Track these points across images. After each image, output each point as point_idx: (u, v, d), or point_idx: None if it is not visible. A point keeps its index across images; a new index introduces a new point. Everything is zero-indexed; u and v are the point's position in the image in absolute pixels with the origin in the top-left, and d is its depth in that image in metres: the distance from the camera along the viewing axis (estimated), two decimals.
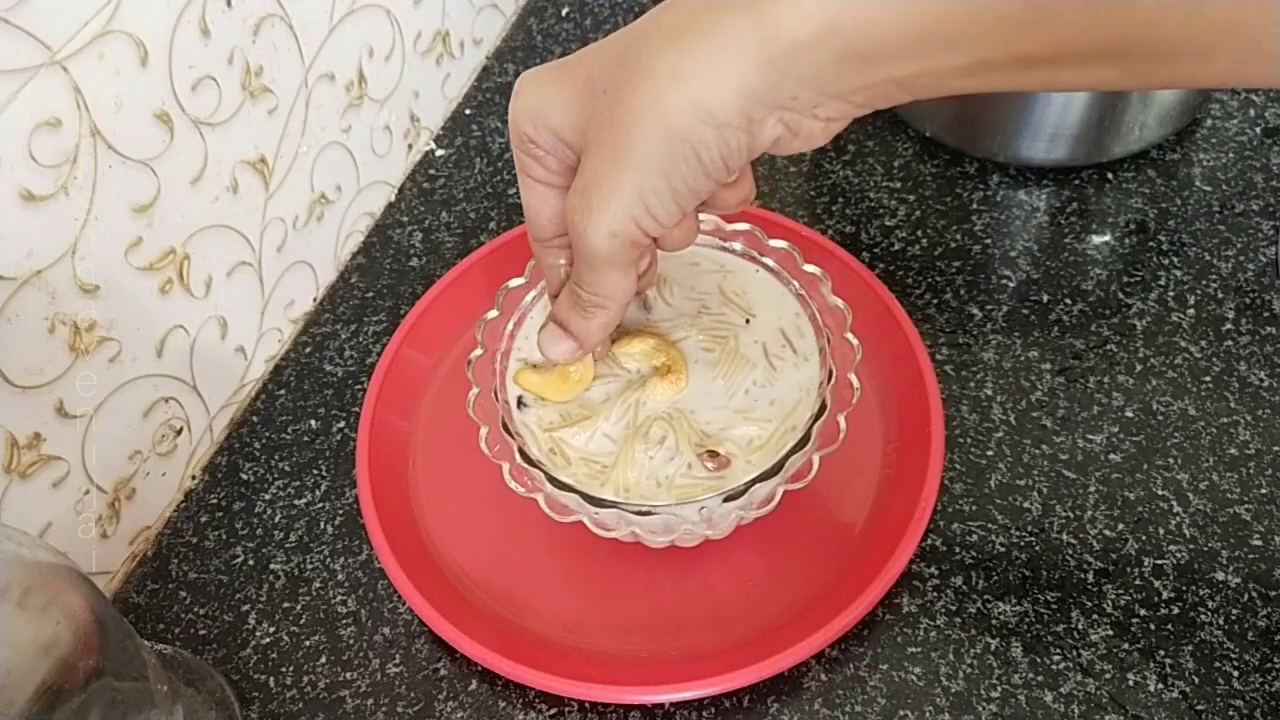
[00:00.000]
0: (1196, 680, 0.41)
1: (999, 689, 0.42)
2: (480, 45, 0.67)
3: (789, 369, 0.43)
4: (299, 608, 0.47)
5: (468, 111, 0.65)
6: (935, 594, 0.44)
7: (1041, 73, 0.29)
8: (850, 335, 0.42)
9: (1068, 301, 0.52)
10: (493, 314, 0.45)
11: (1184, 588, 0.43)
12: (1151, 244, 0.54)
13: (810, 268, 0.44)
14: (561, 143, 0.35)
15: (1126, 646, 0.42)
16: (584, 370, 0.43)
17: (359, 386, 0.54)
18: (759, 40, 0.29)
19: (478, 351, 0.44)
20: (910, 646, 0.43)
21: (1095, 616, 0.43)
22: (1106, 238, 0.54)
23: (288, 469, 0.51)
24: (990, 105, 0.55)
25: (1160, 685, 0.41)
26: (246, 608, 0.47)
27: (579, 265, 0.36)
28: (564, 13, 0.70)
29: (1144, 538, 0.45)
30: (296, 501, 0.50)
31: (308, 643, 0.46)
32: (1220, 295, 0.51)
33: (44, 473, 0.42)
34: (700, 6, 0.31)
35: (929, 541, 0.45)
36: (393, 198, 0.61)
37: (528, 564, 0.46)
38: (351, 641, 0.45)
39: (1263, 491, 0.45)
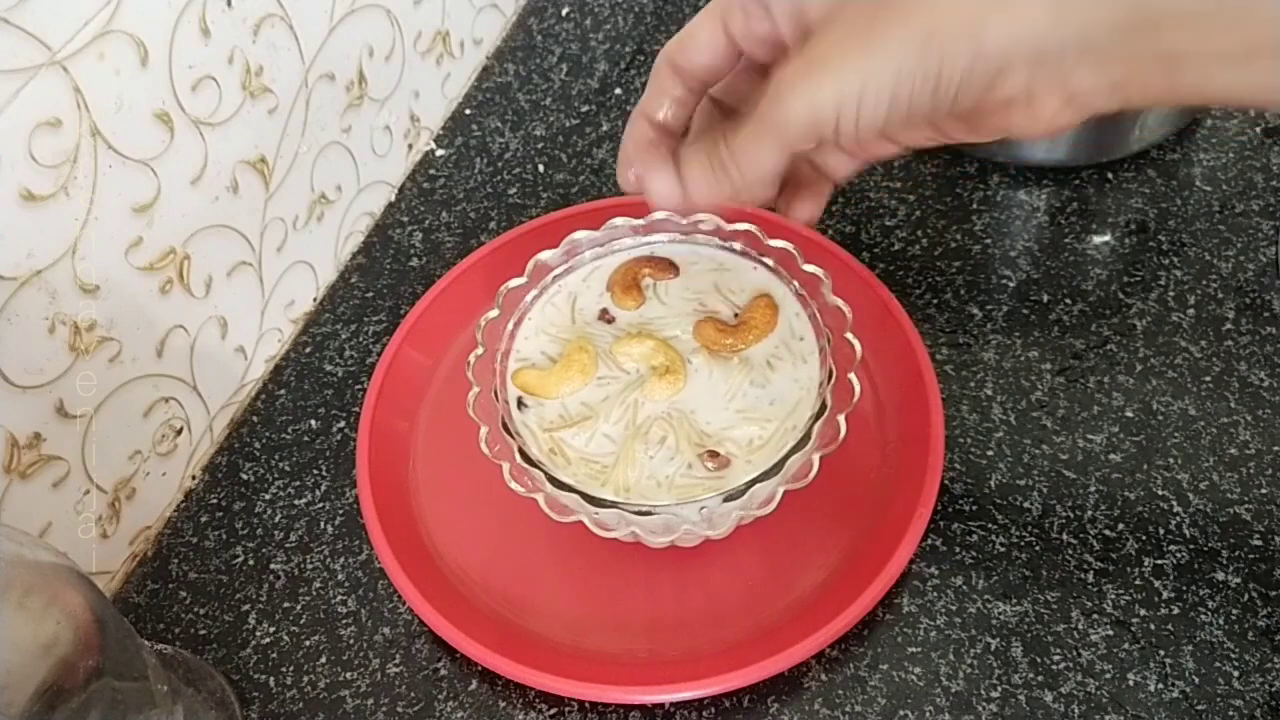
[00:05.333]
0: (1196, 680, 0.41)
1: (999, 689, 0.42)
2: (480, 45, 0.67)
3: (789, 369, 0.43)
4: (299, 608, 0.47)
5: (468, 111, 0.65)
6: (935, 594, 0.44)
7: None
8: (850, 335, 0.42)
9: (1068, 301, 0.52)
10: (493, 314, 0.45)
11: (1184, 588, 0.43)
12: (1151, 244, 0.54)
13: (810, 267, 0.44)
14: (797, 12, 0.34)
15: (1126, 646, 0.42)
16: (585, 366, 0.43)
17: (359, 386, 0.54)
18: None
19: (478, 351, 0.44)
20: (910, 646, 0.43)
21: (1095, 616, 0.43)
22: (1106, 238, 0.54)
23: (288, 469, 0.51)
24: None
25: (1160, 685, 0.41)
26: (246, 608, 0.47)
27: (751, 126, 0.35)
28: (564, 13, 0.70)
29: (1144, 538, 0.45)
30: (296, 501, 0.50)
31: (308, 643, 0.46)
32: (1220, 295, 0.51)
33: (44, 473, 0.42)
34: None
35: (929, 541, 0.45)
36: (393, 198, 0.61)
37: (528, 564, 0.46)
38: (351, 641, 0.45)
39: (1263, 491, 0.45)
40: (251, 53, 0.47)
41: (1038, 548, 0.45)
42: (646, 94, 0.39)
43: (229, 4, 0.45)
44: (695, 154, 0.38)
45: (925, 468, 0.44)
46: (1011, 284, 0.53)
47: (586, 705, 0.43)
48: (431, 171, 0.63)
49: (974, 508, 0.46)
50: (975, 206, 0.56)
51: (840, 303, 0.43)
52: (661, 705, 0.43)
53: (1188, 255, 0.53)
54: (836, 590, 0.43)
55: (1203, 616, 0.43)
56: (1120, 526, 0.45)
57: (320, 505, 0.50)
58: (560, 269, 0.46)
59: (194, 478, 0.51)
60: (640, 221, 0.46)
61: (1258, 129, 0.58)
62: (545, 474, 0.40)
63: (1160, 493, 0.46)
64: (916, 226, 0.56)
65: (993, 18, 0.30)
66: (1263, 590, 0.43)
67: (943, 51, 0.31)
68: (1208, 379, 0.49)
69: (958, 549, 0.45)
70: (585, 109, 0.64)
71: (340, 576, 0.47)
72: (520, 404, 0.43)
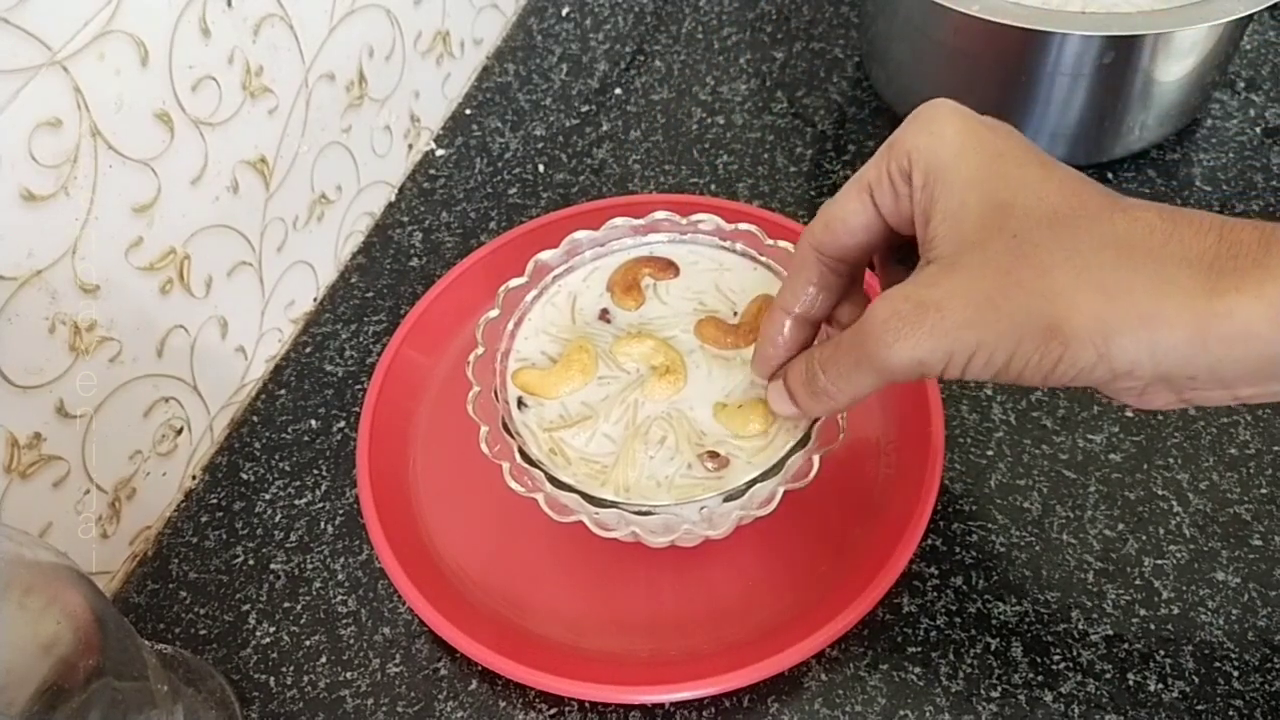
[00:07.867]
0: (1196, 680, 0.41)
1: (999, 689, 0.42)
2: (480, 45, 0.67)
3: None
4: (299, 608, 0.47)
5: (468, 111, 0.65)
6: (935, 594, 0.44)
7: None
8: None
9: None
10: (493, 314, 0.45)
11: (1184, 588, 0.43)
12: None
13: None
14: (928, 213, 0.33)
15: (1126, 646, 0.42)
16: (585, 366, 0.43)
17: (359, 386, 0.54)
18: (1205, 312, 0.28)
19: (478, 351, 0.44)
20: (910, 646, 0.43)
21: (1095, 616, 0.43)
22: None
23: (288, 469, 0.51)
24: (988, 105, 0.55)
25: (1160, 685, 0.41)
26: (247, 608, 0.47)
27: (845, 355, 0.34)
28: (564, 13, 0.70)
29: (1144, 538, 0.45)
30: (296, 501, 0.50)
31: (308, 643, 0.46)
32: None
33: (44, 473, 0.42)
34: (1162, 237, 0.29)
35: (929, 541, 0.45)
36: (393, 198, 0.61)
37: (528, 564, 0.46)
38: (351, 641, 0.45)
39: (1263, 491, 0.45)
40: (252, 53, 0.48)
41: (1038, 548, 0.45)
42: (785, 286, 0.38)
43: (229, 4, 0.45)
44: (795, 379, 0.37)
45: (925, 468, 0.44)
46: None
47: (586, 705, 0.43)
48: (431, 171, 0.63)
49: (974, 508, 0.46)
50: None
51: None
52: (661, 705, 0.43)
53: None
54: (836, 590, 0.43)
55: (1203, 616, 0.43)
56: (1120, 526, 0.45)
57: (320, 505, 0.50)
58: (560, 269, 0.46)
59: (194, 478, 0.51)
60: (640, 221, 0.46)
61: (1258, 129, 0.58)
62: (545, 474, 0.40)
63: (1160, 493, 0.46)
64: None
65: (1126, 336, 0.29)
66: (1263, 590, 0.43)
67: (1065, 349, 0.29)
68: None
69: (958, 549, 0.45)
70: (585, 109, 0.64)
71: (340, 576, 0.47)
72: (520, 404, 0.43)
